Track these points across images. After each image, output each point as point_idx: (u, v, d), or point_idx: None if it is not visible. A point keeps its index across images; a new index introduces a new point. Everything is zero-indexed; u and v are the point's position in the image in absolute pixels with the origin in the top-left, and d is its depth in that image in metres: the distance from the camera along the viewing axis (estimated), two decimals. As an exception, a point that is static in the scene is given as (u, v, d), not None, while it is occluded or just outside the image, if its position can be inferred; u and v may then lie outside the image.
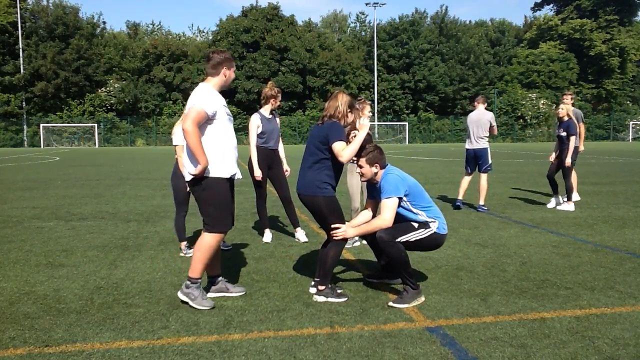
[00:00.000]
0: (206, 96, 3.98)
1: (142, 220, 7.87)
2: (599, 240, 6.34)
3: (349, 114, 4.29)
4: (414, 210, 4.24)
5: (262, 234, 6.56)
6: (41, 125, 47.80)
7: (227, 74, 4.15)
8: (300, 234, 6.41)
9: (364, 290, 4.42)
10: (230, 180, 4.14)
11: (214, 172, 4.00)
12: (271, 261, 5.43)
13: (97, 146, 48.31)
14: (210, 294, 4.24)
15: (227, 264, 5.26)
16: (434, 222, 4.24)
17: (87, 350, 3.23)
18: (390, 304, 3.99)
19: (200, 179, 3.98)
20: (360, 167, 4.32)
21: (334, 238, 4.20)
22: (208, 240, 4.06)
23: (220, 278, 4.34)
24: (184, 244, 5.76)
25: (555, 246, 6.01)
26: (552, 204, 8.99)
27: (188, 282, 4.03)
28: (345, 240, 4.24)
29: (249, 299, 4.18)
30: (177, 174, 5.82)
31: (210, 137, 4.02)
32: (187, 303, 3.99)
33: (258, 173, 6.18)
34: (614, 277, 4.73)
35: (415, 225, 4.19)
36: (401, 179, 4.21)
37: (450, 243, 6.19)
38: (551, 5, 66.02)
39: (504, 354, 3.14)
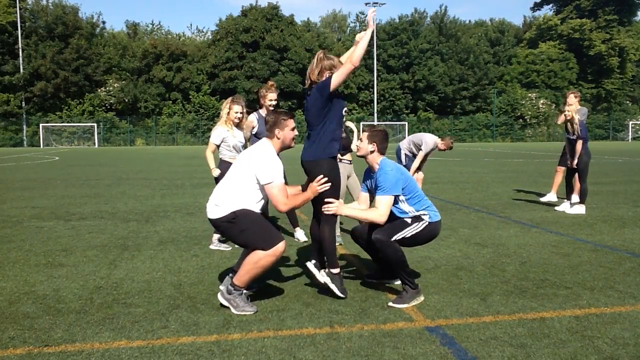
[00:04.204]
0: (273, 165, 3.94)
1: (141, 220, 7.87)
2: (599, 239, 6.34)
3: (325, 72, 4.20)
4: (407, 207, 4.21)
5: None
6: (41, 125, 47.79)
7: (280, 136, 4.05)
8: (300, 234, 6.41)
9: (363, 290, 4.42)
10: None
11: (247, 207, 3.94)
12: (271, 261, 5.42)
13: (96, 146, 48.31)
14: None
15: (227, 264, 5.26)
16: (425, 214, 4.22)
17: (86, 350, 3.22)
18: (390, 304, 3.99)
19: (232, 215, 3.90)
20: (360, 140, 4.32)
21: (325, 212, 4.12)
22: (262, 258, 3.86)
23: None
24: (216, 236, 5.94)
25: (554, 246, 6.01)
26: (561, 207, 8.69)
27: (231, 288, 3.92)
28: (335, 217, 4.20)
29: (249, 299, 4.17)
30: (224, 173, 5.91)
31: (256, 191, 3.97)
32: (228, 308, 3.92)
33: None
34: (613, 277, 4.73)
35: (409, 220, 4.17)
36: (400, 175, 4.18)
37: (449, 243, 6.20)
38: (550, 5, 66.04)
39: (504, 354, 3.14)
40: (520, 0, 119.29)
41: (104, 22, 55.60)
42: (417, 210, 4.22)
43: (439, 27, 58.78)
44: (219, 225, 4.00)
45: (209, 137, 6.12)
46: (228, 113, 5.95)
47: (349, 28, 68.44)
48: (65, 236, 6.67)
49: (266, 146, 4.05)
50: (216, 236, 6.01)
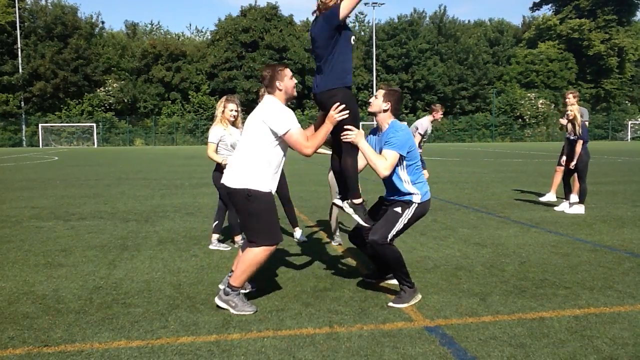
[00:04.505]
0: (286, 114, 3.90)
1: (141, 220, 7.87)
2: (598, 239, 6.35)
3: None
4: (404, 175, 4.14)
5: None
6: (40, 125, 47.76)
7: (282, 86, 4.01)
8: (299, 234, 6.42)
9: (362, 290, 4.42)
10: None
11: (263, 186, 3.89)
12: (269, 260, 5.42)
13: (95, 146, 48.28)
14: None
15: (226, 264, 5.26)
16: (417, 194, 4.14)
17: (86, 350, 3.22)
18: (390, 304, 3.99)
19: (247, 192, 3.85)
20: (376, 97, 4.25)
21: (344, 139, 4.01)
22: (257, 254, 3.90)
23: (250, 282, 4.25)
24: (239, 237, 5.94)
25: (554, 246, 6.01)
26: (561, 207, 8.73)
27: (228, 289, 3.92)
28: (355, 148, 4.06)
29: (248, 299, 4.17)
30: (220, 175, 5.92)
31: (272, 152, 3.92)
32: (226, 310, 3.90)
33: None
34: (612, 277, 4.74)
35: (399, 209, 4.10)
36: (410, 138, 4.13)
37: (449, 243, 6.20)
38: (550, 5, 66.04)
39: (503, 354, 3.14)
40: (519, 1, 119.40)
41: (103, 22, 55.57)
42: (413, 183, 4.14)
43: (438, 27, 58.79)
44: (233, 195, 3.95)
45: (208, 137, 6.12)
46: (223, 112, 5.96)
47: (348, 28, 68.44)
48: (64, 236, 6.67)
49: (271, 100, 4.00)
50: (215, 236, 6.01)
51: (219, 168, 5.96)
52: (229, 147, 5.96)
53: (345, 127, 3.99)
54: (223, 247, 5.94)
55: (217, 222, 6.05)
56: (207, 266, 5.20)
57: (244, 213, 3.93)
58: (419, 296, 4.09)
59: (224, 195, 6.00)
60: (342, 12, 3.87)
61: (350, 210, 4.14)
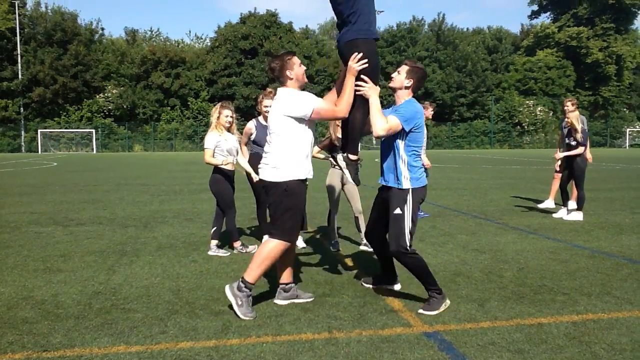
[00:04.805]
0: (302, 96, 3.95)
1: (140, 225, 7.87)
2: (596, 246, 6.37)
3: None
4: (403, 153, 4.07)
5: (260, 239, 6.57)
6: (39, 130, 47.75)
7: (293, 75, 4.03)
8: (298, 240, 6.42)
9: (361, 295, 4.43)
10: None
11: (299, 174, 3.97)
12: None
13: (94, 152, 48.27)
14: (280, 301, 4.21)
15: (225, 270, 5.27)
16: (407, 178, 4.06)
17: (85, 355, 3.23)
18: (420, 311, 3.97)
19: (285, 186, 3.92)
20: (398, 72, 4.21)
21: (358, 91, 3.98)
22: (274, 248, 3.97)
23: (292, 284, 4.27)
24: (238, 243, 6.04)
25: (552, 252, 6.03)
26: (559, 213, 8.74)
27: (241, 285, 3.94)
28: (366, 106, 4.00)
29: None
30: (216, 180, 5.95)
31: (303, 138, 3.96)
32: (230, 305, 3.93)
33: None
34: (610, 283, 4.75)
35: (398, 210, 4.04)
36: (420, 117, 4.09)
37: (447, 249, 6.21)
38: (548, 13, 66.33)
39: (502, 359, 3.15)
40: (518, 9, 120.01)
41: (102, 29, 55.47)
42: (409, 165, 4.06)
43: (436, 35, 59.00)
44: (270, 188, 4.00)
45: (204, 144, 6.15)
46: (218, 118, 6.00)
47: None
48: (63, 242, 6.67)
49: (284, 91, 4.02)
50: (214, 242, 6.02)
51: (217, 172, 5.98)
52: (225, 152, 5.99)
53: (362, 77, 3.96)
54: (222, 252, 5.95)
55: (215, 228, 6.06)
56: (206, 272, 5.20)
57: (278, 206, 3.98)
58: (448, 302, 4.07)
59: (222, 201, 6.03)
60: None
61: (342, 164, 4.11)
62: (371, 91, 3.98)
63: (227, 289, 4.00)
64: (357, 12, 3.92)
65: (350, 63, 3.93)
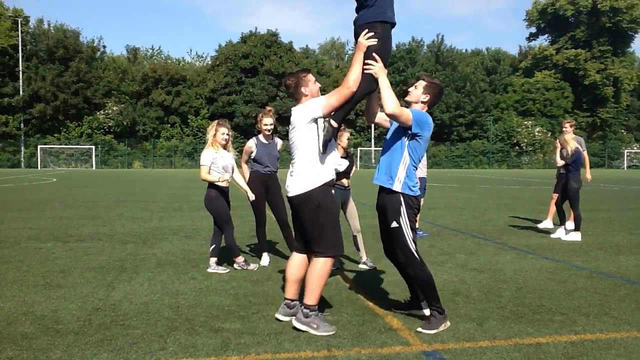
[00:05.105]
0: (309, 101, 4.01)
1: (139, 242, 7.88)
2: (594, 266, 6.39)
3: None
4: (407, 155, 4.09)
5: (260, 257, 6.58)
6: (39, 146, 47.82)
7: (307, 92, 4.07)
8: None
9: (360, 313, 4.44)
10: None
11: (321, 178, 3.96)
12: (269, 284, 5.45)
13: (94, 168, 48.31)
14: (282, 317, 4.21)
15: (224, 287, 5.28)
16: (400, 182, 4.07)
17: (85, 370, 3.23)
18: (419, 329, 3.98)
19: (316, 203, 3.91)
20: (415, 87, 4.25)
21: (366, 69, 3.96)
22: (324, 265, 3.97)
23: (297, 302, 4.25)
24: (240, 259, 6.03)
25: (550, 272, 6.04)
26: (557, 234, 8.81)
27: (306, 311, 3.93)
28: (367, 83, 3.97)
29: (247, 322, 4.19)
30: (211, 197, 5.97)
31: (315, 141, 3.96)
32: (306, 332, 3.90)
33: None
34: (608, 303, 4.77)
35: (395, 224, 4.08)
36: (428, 126, 4.11)
37: (446, 268, 6.23)
38: (546, 35, 66.99)
39: (500, 378, 3.16)
40: (516, 31, 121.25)
41: (104, 46, 55.89)
42: (406, 169, 4.08)
43: (435, 56, 59.51)
44: (299, 203, 3.98)
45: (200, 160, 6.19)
46: (214, 135, 6.06)
47: (347, 55, 69.18)
48: (63, 257, 6.68)
49: (298, 107, 4.06)
50: (213, 259, 6.03)
51: (212, 188, 6.01)
52: (221, 169, 6.04)
53: (373, 55, 3.95)
54: (221, 270, 5.96)
55: (214, 245, 6.08)
56: (206, 289, 5.21)
57: (314, 224, 3.96)
58: (448, 323, 4.07)
59: (219, 218, 6.04)
60: None
61: (321, 126, 3.96)
62: (380, 71, 3.97)
63: (295, 323, 3.95)
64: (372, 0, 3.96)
65: (360, 39, 3.95)
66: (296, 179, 4.01)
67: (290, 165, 4.16)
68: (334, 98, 3.93)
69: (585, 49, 60.60)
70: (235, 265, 6.04)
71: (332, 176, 4.08)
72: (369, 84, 4.00)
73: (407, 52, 58.18)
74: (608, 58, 60.76)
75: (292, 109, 4.13)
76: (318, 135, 3.97)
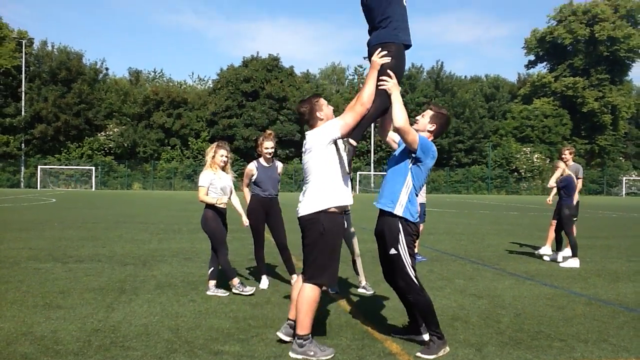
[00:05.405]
0: (325, 124, 4.04)
1: (138, 263, 7.89)
2: (593, 293, 6.40)
3: None
4: (410, 179, 4.14)
5: (259, 280, 6.59)
6: (39, 166, 47.95)
7: (322, 115, 4.11)
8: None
9: (360, 338, 4.45)
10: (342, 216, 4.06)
11: (332, 201, 3.95)
12: (268, 307, 5.46)
13: (93, 189, 48.34)
14: (283, 336, 4.20)
15: (224, 310, 5.28)
16: (401, 206, 4.11)
17: (84, 391, 3.23)
18: (418, 354, 3.98)
19: (321, 228, 3.90)
20: (422, 116, 4.30)
21: (381, 86, 4.04)
22: (311, 293, 3.94)
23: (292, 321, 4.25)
24: (236, 281, 5.97)
25: (549, 298, 6.06)
26: (552, 256, 8.98)
27: (300, 341, 3.90)
28: (381, 100, 4.05)
29: (246, 345, 4.20)
30: (207, 218, 6.00)
31: (332, 163, 3.97)
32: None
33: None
34: (607, 330, 4.78)
35: (394, 251, 4.11)
36: (432, 154, 4.16)
37: (445, 293, 6.24)
38: (544, 63, 67.77)
39: (499, 404, 3.17)
40: (515, 58, 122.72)
41: (107, 69, 56.25)
42: (408, 194, 4.13)
43: (435, 82, 60.07)
44: (306, 226, 3.98)
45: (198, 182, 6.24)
46: (213, 157, 6.12)
47: (347, 80, 69.85)
48: (62, 278, 6.69)
49: (312, 131, 4.07)
50: (212, 282, 6.04)
51: (209, 209, 6.05)
52: (219, 190, 6.08)
53: (387, 72, 4.02)
54: (220, 292, 5.96)
55: (212, 268, 6.10)
56: (205, 311, 5.22)
57: (313, 247, 3.96)
58: (447, 348, 4.07)
59: (214, 239, 6.05)
60: None
61: (342, 146, 4.04)
62: (393, 87, 4.05)
63: (291, 354, 3.92)
64: (389, 18, 4.08)
65: (373, 57, 4.04)
66: (307, 199, 4.02)
67: (303, 187, 4.16)
68: (350, 116, 3.98)
69: (583, 76, 61.27)
70: (233, 289, 6.03)
71: (346, 202, 4.04)
72: (384, 100, 4.08)
73: (407, 77, 58.71)
74: (606, 86, 61.41)
75: (307, 133, 4.15)
76: (341, 156, 4.02)
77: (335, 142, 4.00)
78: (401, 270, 4.12)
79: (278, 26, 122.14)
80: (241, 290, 5.99)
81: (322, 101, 4.17)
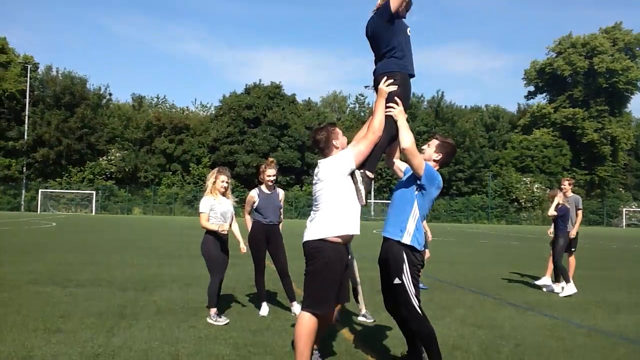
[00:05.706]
0: (339, 153, 4.06)
1: (139, 288, 7.89)
2: (593, 324, 6.39)
3: None
4: (416, 207, 4.15)
5: (259, 306, 6.59)
6: (40, 190, 48.03)
7: (338, 144, 4.13)
8: (297, 308, 6.44)
9: (360, 366, 4.44)
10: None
11: (338, 230, 3.92)
12: (268, 334, 5.46)
13: (93, 213, 48.31)
14: None
15: (223, 336, 5.28)
16: (408, 234, 4.12)
17: (85, 416, 3.24)
18: None
19: (322, 250, 3.88)
20: (428, 145, 4.36)
21: (387, 112, 4.11)
22: (308, 323, 3.85)
23: (317, 352, 4.20)
24: (213, 310, 5.90)
25: (549, 329, 6.05)
26: (550, 287, 9.10)
27: None
28: (391, 129, 4.09)
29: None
30: (206, 241, 6.04)
31: (345, 194, 3.98)
32: None
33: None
34: (607, 362, 4.77)
35: (397, 280, 4.10)
36: (437, 183, 4.19)
37: (445, 322, 6.23)
38: (544, 94, 68.37)
39: None
40: (515, 89, 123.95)
41: (110, 94, 56.83)
42: (415, 221, 4.15)
43: (435, 111, 60.51)
44: (310, 253, 3.93)
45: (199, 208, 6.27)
46: (214, 182, 6.18)
47: (348, 109, 70.37)
48: (63, 302, 6.69)
49: (326, 160, 4.08)
50: (213, 310, 6.01)
51: (210, 234, 6.08)
52: (220, 215, 6.13)
53: (394, 99, 4.10)
54: (221, 320, 5.95)
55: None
56: (205, 337, 5.22)
57: (314, 276, 3.91)
58: None
59: (209, 263, 6.05)
60: (393, 4, 4.11)
61: (359, 179, 4.05)
62: (399, 114, 4.14)
63: None
64: (394, 49, 4.19)
65: (380, 86, 4.14)
66: (314, 224, 3.98)
67: (312, 213, 4.13)
68: (363, 145, 4.03)
69: (582, 108, 61.75)
70: (207, 318, 5.91)
71: (353, 231, 4.00)
72: (392, 127, 4.17)
73: (408, 106, 59.19)
74: (605, 117, 61.85)
75: (321, 161, 4.13)
76: (358, 188, 4.04)
77: (352, 173, 4.01)
78: (405, 299, 4.11)
79: (280, 55, 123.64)
80: (215, 320, 5.84)
81: (338, 130, 4.21)
